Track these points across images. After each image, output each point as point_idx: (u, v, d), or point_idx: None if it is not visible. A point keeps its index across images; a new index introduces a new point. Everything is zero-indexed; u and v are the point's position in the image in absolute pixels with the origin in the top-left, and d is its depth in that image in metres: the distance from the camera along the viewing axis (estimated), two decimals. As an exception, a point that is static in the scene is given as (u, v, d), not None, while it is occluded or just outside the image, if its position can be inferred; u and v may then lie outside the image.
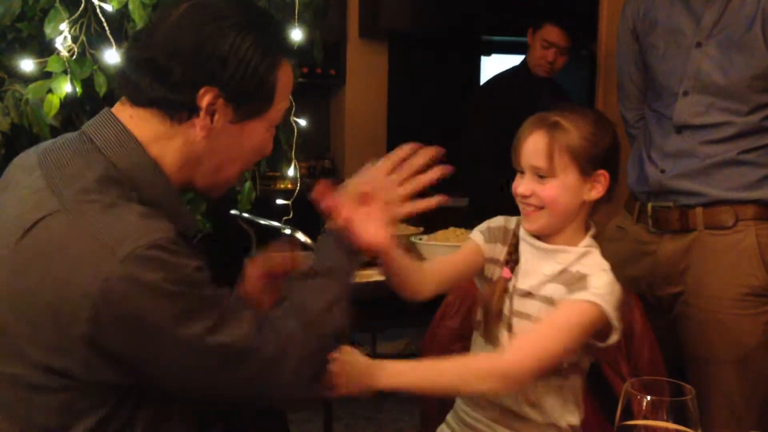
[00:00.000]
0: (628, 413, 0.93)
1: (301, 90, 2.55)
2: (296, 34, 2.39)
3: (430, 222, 2.63)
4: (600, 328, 1.36)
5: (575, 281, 1.39)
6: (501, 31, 4.62)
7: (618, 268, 2.05)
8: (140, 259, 1.01)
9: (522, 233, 1.50)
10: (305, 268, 1.27)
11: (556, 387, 1.41)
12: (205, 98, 1.13)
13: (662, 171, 1.95)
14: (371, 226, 1.26)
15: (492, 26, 4.59)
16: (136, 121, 1.16)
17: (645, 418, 0.92)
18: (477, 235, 1.56)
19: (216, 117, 1.16)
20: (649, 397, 0.93)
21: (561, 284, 1.42)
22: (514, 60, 3.77)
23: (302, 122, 2.51)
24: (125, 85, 1.19)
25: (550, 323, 1.38)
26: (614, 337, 1.38)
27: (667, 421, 0.92)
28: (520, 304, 1.46)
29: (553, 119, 1.40)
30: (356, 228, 1.26)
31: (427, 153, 1.31)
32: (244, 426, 1.36)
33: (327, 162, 4.59)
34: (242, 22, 1.15)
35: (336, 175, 4.61)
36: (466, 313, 1.77)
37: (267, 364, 1.12)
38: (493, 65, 4.92)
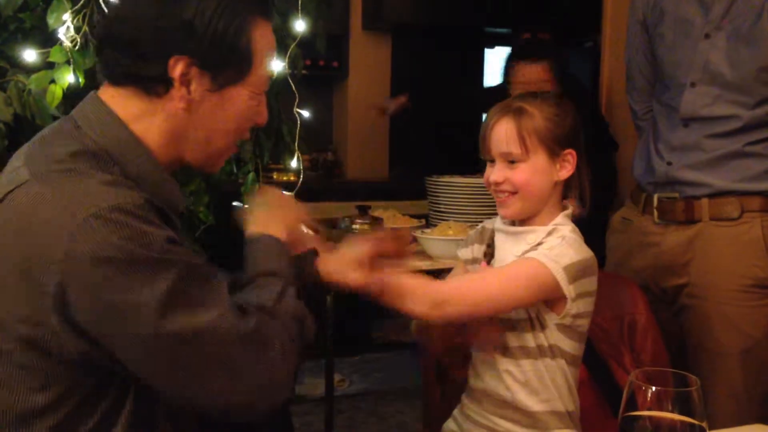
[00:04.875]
0: (633, 404, 0.93)
1: (304, 82, 2.56)
2: (299, 26, 2.39)
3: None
4: (550, 291, 1.36)
5: (533, 248, 1.41)
6: (505, 23, 4.60)
7: (623, 260, 2.07)
8: (102, 221, 0.98)
9: (497, 224, 1.52)
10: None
11: (542, 367, 1.41)
12: (176, 68, 1.10)
13: (669, 163, 1.95)
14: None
15: (496, 18, 4.57)
16: (117, 99, 1.14)
17: (649, 409, 0.92)
18: (459, 252, 1.60)
19: (192, 87, 1.12)
20: (654, 388, 0.92)
21: None
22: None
23: (305, 114, 2.51)
24: (101, 65, 1.18)
25: (496, 271, 1.44)
26: (569, 308, 1.37)
27: (672, 412, 0.91)
28: None
29: (516, 105, 1.44)
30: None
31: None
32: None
33: (330, 154, 4.58)
34: None
35: (338, 167, 4.60)
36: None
37: (248, 342, 1.05)
38: (496, 57, 4.91)
